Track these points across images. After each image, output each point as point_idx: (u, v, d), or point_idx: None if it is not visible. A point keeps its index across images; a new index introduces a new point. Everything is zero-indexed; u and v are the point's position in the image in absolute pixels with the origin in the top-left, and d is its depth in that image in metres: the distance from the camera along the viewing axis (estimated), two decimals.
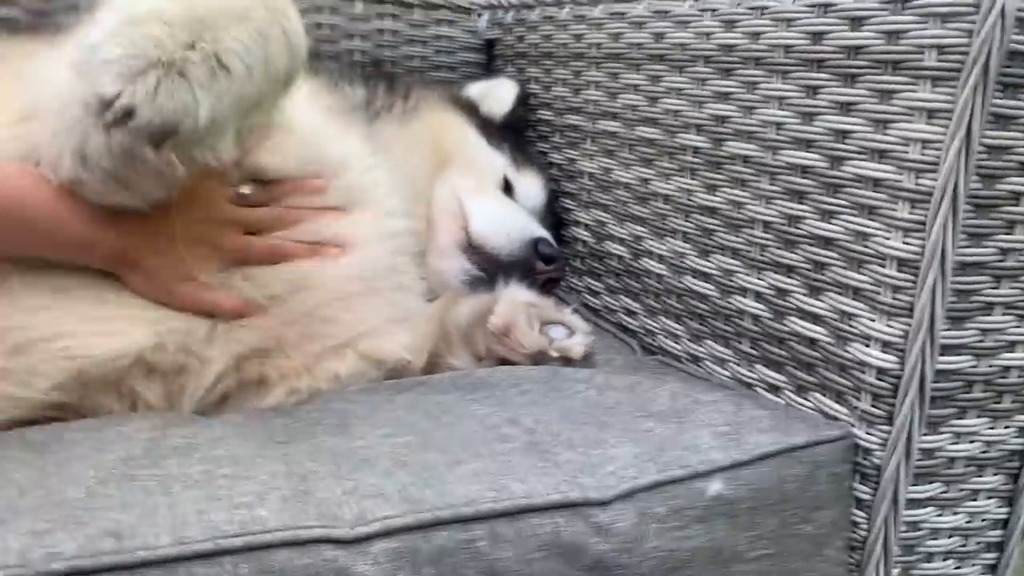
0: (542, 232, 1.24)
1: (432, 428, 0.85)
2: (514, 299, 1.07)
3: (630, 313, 1.30)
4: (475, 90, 1.52)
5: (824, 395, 0.94)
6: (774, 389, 1.01)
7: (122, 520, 0.65)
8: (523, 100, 1.52)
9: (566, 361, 1.03)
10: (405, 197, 1.11)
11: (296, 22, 0.85)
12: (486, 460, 0.78)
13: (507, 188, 1.34)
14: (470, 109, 1.40)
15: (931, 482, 0.91)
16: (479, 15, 1.69)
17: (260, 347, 0.93)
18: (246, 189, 0.93)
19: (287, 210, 0.96)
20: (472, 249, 1.20)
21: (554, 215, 1.43)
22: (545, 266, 1.20)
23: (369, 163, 1.06)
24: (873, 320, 0.87)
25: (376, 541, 0.68)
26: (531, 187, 1.37)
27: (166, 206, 0.83)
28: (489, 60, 1.70)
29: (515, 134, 1.46)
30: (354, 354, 1.01)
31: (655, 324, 1.23)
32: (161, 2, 0.76)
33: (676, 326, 1.18)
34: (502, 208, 1.27)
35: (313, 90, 1.07)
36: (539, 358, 1.03)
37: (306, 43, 0.86)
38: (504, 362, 1.04)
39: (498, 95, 1.50)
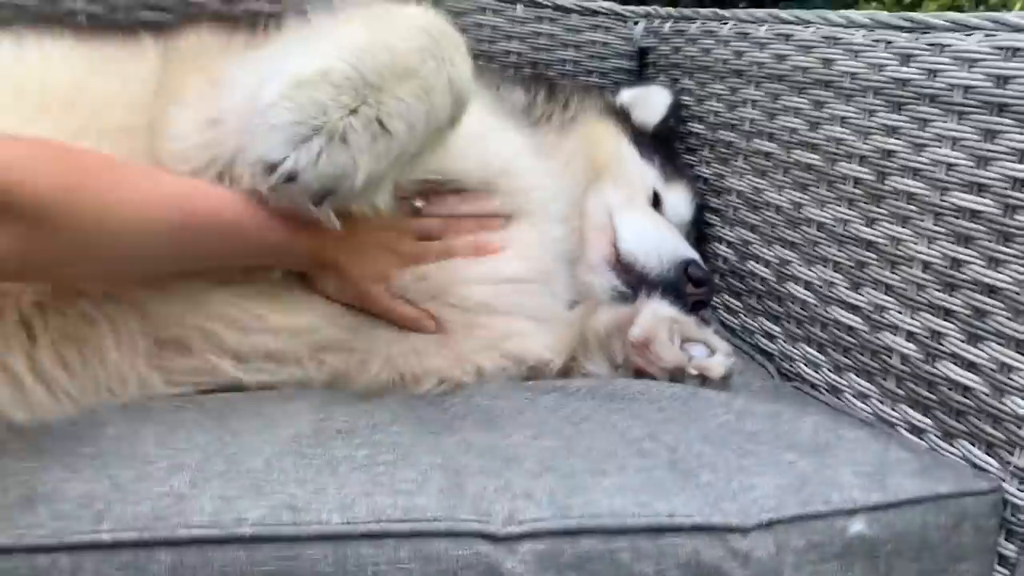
0: (692, 254, 1.24)
1: (574, 434, 0.88)
2: (656, 312, 1.07)
3: (769, 336, 1.29)
4: (627, 96, 1.50)
5: (973, 444, 0.92)
6: (918, 431, 0.99)
7: (297, 495, 0.71)
8: (675, 110, 1.51)
9: (703, 380, 1.04)
10: (564, 205, 1.13)
11: (462, 66, 0.86)
12: (629, 474, 0.80)
13: (655, 201, 1.34)
14: (624, 118, 1.41)
15: None
16: (635, 23, 1.69)
17: (417, 347, 0.99)
18: (419, 203, 1.00)
19: (454, 220, 1.02)
20: (621, 266, 1.20)
21: (698, 230, 1.43)
22: (694, 289, 1.19)
23: (536, 167, 1.10)
24: None
25: (525, 541, 0.72)
26: (679, 202, 1.37)
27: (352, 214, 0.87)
28: (641, 68, 1.70)
29: (665, 145, 1.47)
30: (499, 352, 1.05)
31: (795, 350, 1.22)
32: (330, 61, 0.78)
33: (817, 355, 1.17)
34: (652, 225, 1.27)
35: (479, 92, 1.11)
36: (676, 374, 1.04)
37: (470, 86, 0.87)
38: (639, 373, 1.06)
39: (651, 102, 1.49)
